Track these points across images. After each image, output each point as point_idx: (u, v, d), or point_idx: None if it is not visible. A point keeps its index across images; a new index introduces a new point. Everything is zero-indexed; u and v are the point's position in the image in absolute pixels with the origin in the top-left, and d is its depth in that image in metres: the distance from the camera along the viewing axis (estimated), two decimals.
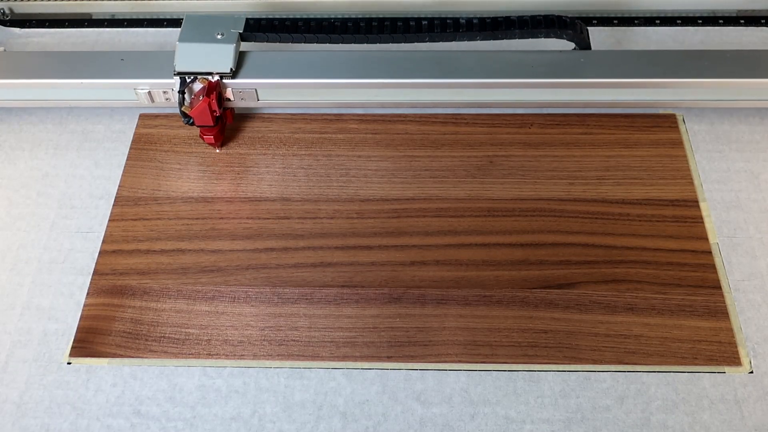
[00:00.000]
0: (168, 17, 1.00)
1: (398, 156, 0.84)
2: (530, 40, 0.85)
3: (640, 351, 0.69)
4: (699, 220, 0.78)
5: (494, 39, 0.84)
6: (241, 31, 0.82)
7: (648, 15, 0.96)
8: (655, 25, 0.96)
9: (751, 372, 0.68)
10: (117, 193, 0.82)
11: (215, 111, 0.80)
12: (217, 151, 0.85)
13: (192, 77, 0.80)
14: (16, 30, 1.00)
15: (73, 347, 0.71)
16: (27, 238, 0.79)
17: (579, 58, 0.83)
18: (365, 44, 0.85)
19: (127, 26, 0.99)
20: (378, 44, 0.85)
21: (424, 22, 0.84)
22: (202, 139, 0.84)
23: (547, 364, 0.68)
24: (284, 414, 0.66)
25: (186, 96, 0.80)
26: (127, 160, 0.85)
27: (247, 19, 0.84)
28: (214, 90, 0.79)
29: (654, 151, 0.84)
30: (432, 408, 0.66)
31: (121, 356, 0.70)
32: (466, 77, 0.81)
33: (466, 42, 0.84)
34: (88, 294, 0.74)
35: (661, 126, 0.86)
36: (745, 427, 0.65)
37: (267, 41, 0.85)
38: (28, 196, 0.83)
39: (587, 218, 0.78)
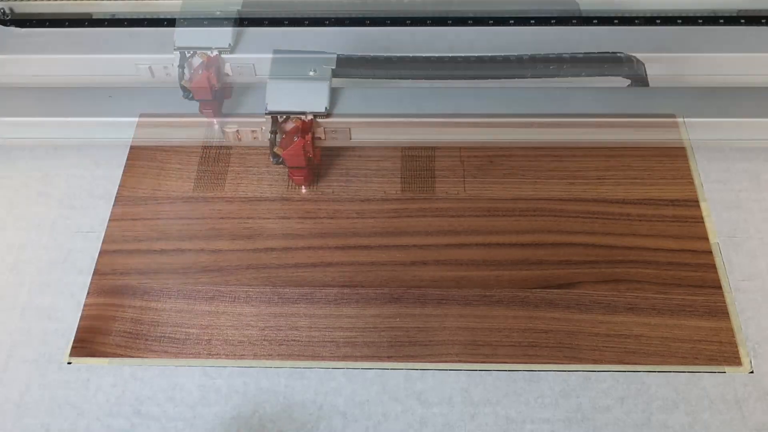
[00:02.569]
0: (168, 17, 1.00)
1: (398, 156, 0.84)
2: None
3: (640, 351, 0.69)
4: (699, 220, 0.78)
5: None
6: (333, 68, 0.77)
7: (648, 15, 0.96)
8: (656, 24, 0.96)
9: (752, 372, 0.68)
10: (117, 193, 0.82)
11: (308, 152, 0.76)
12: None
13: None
14: (16, 30, 1.00)
15: (73, 347, 0.71)
16: (27, 238, 0.79)
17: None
18: (450, 80, 0.79)
19: (127, 26, 0.99)
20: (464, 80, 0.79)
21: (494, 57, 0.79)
22: (292, 180, 0.82)
23: (547, 364, 0.68)
24: (284, 414, 0.66)
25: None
26: (127, 159, 0.85)
27: (339, 56, 0.78)
28: (309, 131, 0.75)
29: (654, 151, 0.84)
30: (432, 408, 0.66)
31: (122, 356, 0.70)
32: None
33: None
34: (88, 294, 0.74)
35: (662, 126, 0.86)
36: (745, 427, 0.65)
37: (359, 77, 0.78)
38: (28, 196, 0.83)
39: (587, 218, 0.78)
